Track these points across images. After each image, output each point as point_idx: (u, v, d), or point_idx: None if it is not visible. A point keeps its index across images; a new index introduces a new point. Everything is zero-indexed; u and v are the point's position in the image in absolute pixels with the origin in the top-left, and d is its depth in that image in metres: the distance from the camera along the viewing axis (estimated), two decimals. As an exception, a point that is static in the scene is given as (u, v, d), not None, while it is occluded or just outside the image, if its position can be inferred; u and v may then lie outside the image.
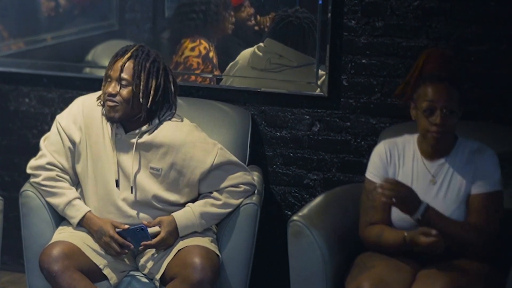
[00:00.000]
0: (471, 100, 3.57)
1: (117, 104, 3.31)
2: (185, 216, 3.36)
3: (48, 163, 3.42)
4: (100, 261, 3.32)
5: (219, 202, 3.39)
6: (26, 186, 3.48)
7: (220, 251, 3.37)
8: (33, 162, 3.47)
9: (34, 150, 3.56)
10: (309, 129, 3.89)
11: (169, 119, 3.41)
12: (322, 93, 3.82)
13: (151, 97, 3.33)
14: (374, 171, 3.27)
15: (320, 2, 3.75)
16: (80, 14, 4.20)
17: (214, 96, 3.96)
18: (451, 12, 3.63)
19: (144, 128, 3.37)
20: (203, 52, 3.98)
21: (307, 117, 3.88)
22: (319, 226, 3.20)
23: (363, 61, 3.77)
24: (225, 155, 3.41)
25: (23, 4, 4.23)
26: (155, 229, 3.34)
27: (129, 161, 3.37)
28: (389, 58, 3.73)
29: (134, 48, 3.36)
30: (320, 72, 3.79)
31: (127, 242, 3.32)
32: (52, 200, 3.42)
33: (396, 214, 3.17)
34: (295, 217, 3.21)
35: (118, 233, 3.32)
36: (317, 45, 3.78)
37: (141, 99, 3.31)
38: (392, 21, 3.70)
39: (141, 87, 3.31)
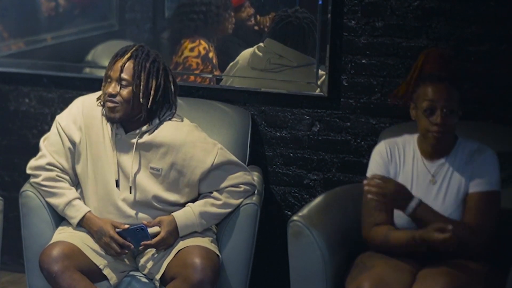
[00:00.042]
0: (471, 100, 3.57)
1: (117, 104, 3.31)
2: (185, 216, 3.36)
3: (48, 164, 3.42)
4: (100, 261, 3.31)
5: (219, 202, 3.39)
6: (26, 186, 3.48)
7: (220, 251, 3.37)
8: (33, 163, 3.47)
9: (34, 150, 3.56)
10: (309, 129, 3.89)
11: (169, 119, 3.41)
12: (322, 93, 3.81)
13: (151, 97, 3.33)
14: (376, 170, 3.25)
15: (320, 2, 3.75)
16: (80, 14, 4.20)
17: (214, 96, 3.96)
18: (451, 12, 3.62)
19: (144, 128, 3.37)
20: (203, 52, 3.98)
21: (307, 117, 3.88)
22: (319, 226, 3.20)
23: (363, 61, 3.77)
24: (225, 155, 3.41)
25: (23, 4, 4.22)
26: (155, 229, 3.34)
27: (129, 161, 3.37)
28: (389, 58, 3.73)
29: (134, 48, 3.36)
30: (320, 72, 3.79)
31: (127, 242, 3.32)
32: (52, 200, 3.41)
33: (394, 211, 3.17)
34: (295, 217, 3.21)
35: (118, 233, 3.32)
36: (317, 45, 3.77)
37: (141, 99, 3.31)
38: (392, 21, 3.70)
39: (141, 87, 3.31)
